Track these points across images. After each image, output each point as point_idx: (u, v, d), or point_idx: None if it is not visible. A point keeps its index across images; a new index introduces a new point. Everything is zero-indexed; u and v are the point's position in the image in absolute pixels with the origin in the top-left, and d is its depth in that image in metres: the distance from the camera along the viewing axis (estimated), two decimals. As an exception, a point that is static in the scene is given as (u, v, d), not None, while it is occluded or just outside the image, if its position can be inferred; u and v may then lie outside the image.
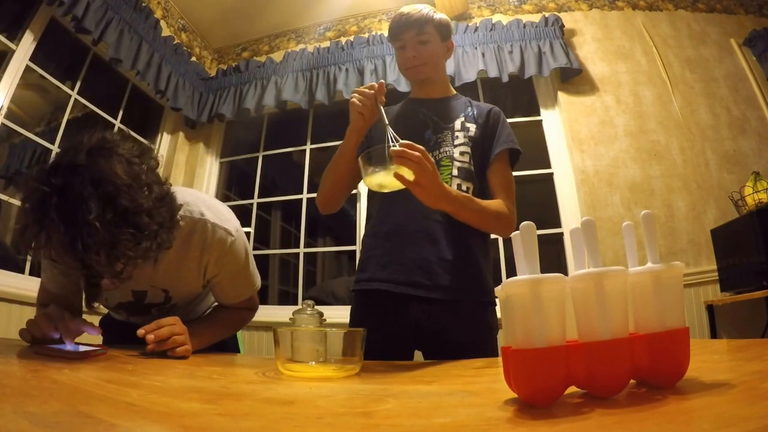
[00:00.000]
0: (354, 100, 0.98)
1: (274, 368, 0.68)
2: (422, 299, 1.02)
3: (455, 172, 1.08)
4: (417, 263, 1.03)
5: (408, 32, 1.12)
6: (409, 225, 1.05)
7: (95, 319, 1.10)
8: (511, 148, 1.11)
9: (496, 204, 1.05)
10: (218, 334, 1.03)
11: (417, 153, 0.80)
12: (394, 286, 1.03)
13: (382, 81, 1.01)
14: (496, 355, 1.01)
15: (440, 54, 1.16)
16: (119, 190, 0.69)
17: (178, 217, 0.84)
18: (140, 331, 0.79)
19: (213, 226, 0.92)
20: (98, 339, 0.98)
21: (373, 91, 0.97)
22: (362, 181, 0.88)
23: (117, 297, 0.98)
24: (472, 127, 1.12)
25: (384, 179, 0.84)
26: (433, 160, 0.84)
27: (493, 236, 1.15)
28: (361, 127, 1.00)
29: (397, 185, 0.83)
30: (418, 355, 1.08)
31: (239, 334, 1.28)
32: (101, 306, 1.03)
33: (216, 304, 1.11)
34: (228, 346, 1.14)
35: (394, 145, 0.81)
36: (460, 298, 1.02)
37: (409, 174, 0.81)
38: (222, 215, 0.96)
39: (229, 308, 1.07)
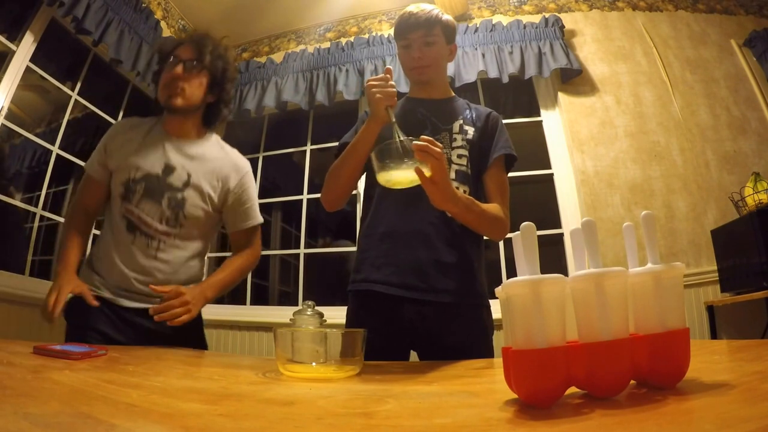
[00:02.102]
0: (377, 94, 0.94)
1: (274, 369, 0.68)
2: (416, 301, 1.01)
3: (453, 174, 1.07)
4: (411, 265, 1.03)
5: (416, 32, 1.11)
6: (403, 227, 1.05)
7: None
8: (507, 154, 1.12)
9: (494, 208, 1.05)
10: (231, 278, 1.24)
11: (438, 149, 0.80)
12: (388, 287, 1.03)
13: (389, 67, 1.00)
14: (491, 357, 1.01)
15: (444, 56, 1.16)
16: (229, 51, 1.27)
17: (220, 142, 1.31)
18: (152, 309, 1.03)
19: (240, 156, 1.31)
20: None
21: (388, 75, 0.97)
22: (376, 176, 0.86)
23: (150, 165, 1.18)
24: (470, 130, 1.12)
25: (401, 175, 0.82)
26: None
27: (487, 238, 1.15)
28: (384, 115, 0.96)
29: (410, 182, 0.82)
30: (413, 356, 1.08)
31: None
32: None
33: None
34: (191, 341, 1.18)
35: (413, 140, 0.81)
36: (453, 300, 1.02)
37: (427, 170, 0.80)
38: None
39: (233, 257, 1.29)
